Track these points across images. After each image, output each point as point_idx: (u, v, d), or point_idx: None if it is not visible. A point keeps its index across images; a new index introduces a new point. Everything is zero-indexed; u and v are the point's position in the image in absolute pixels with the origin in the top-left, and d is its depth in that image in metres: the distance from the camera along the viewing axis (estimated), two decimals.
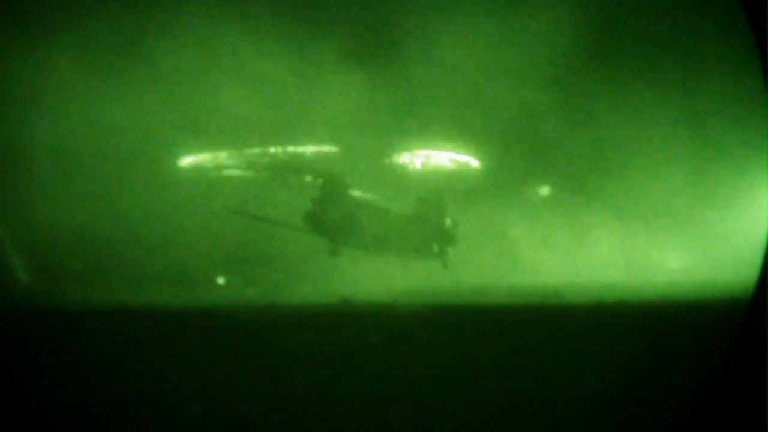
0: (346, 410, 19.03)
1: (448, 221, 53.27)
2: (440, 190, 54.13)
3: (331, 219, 52.32)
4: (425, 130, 55.22)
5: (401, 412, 18.74)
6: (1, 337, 28.06)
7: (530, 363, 24.05)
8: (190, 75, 52.77)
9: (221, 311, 38.23)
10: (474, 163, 56.19)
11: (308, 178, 53.67)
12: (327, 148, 54.90)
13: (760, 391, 17.33)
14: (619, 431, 17.92)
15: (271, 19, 53.22)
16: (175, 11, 52.27)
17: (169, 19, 52.21)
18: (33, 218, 50.90)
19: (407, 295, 46.67)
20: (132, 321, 33.99)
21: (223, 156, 54.86)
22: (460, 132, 55.52)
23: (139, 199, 52.40)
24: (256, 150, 54.86)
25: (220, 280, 53.24)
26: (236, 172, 54.79)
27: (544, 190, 56.48)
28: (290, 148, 54.92)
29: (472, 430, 17.78)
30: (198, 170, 54.53)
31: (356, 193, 53.48)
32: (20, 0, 51.74)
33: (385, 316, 35.11)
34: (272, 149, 54.88)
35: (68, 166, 52.33)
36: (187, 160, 54.55)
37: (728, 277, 46.33)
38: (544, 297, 43.27)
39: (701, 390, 18.84)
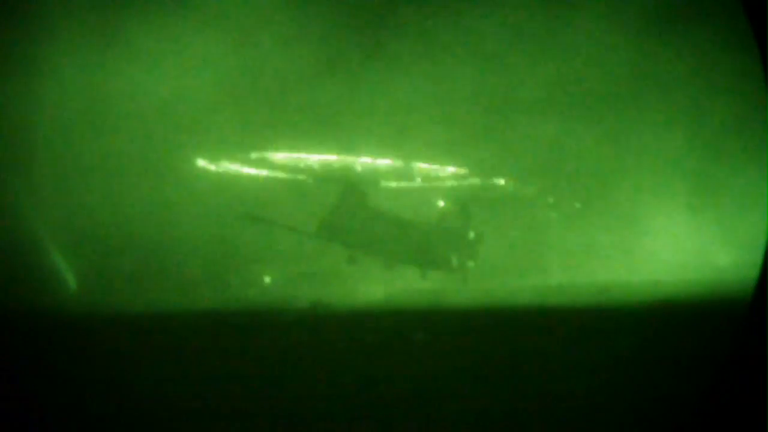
0: (358, 411, 19.09)
1: (472, 234, 52.47)
2: (466, 202, 53.48)
3: (348, 227, 51.96)
4: (449, 141, 55.00)
5: (419, 413, 18.83)
6: (50, 342, 28.23)
7: (532, 363, 24.09)
8: (208, 75, 52.82)
9: (263, 314, 38.37)
10: (493, 171, 55.93)
11: (326, 185, 53.37)
12: (346, 155, 54.67)
13: (760, 391, 17.34)
14: (620, 431, 17.94)
15: (293, 18, 53.16)
16: (185, 12, 52.28)
17: (180, 20, 52.22)
18: (75, 222, 51.04)
19: (428, 296, 46.75)
20: (169, 324, 34.18)
21: (241, 159, 54.62)
22: (484, 143, 55.31)
23: (164, 202, 52.43)
24: (274, 154, 54.65)
25: (267, 279, 53.10)
26: (253, 175, 54.50)
27: (544, 192, 56.48)
28: (309, 154, 54.71)
29: (483, 430, 17.89)
30: (216, 172, 54.30)
31: (375, 201, 53.08)
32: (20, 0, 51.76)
33: (405, 317, 35.25)
34: (291, 154, 54.67)
35: (91, 169, 52.42)
36: (210, 164, 54.35)
37: (728, 277, 46.34)
38: (580, 295, 43.25)
39: (701, 390, 18.85)
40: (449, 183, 55.15)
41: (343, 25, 53.70)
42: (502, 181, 55.63)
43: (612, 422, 18.26)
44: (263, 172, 54.35)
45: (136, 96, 51.89)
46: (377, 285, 51.17)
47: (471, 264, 52.13)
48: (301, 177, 54.01)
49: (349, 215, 51.94)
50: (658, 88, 55.34)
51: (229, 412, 19.28)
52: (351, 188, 52.69)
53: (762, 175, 51.23)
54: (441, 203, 53.78)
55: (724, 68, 53.52)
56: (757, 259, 21.08)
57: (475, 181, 55.35)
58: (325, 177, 53.57)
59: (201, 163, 54.24)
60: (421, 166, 55.07)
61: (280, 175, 54.24)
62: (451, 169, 55.32)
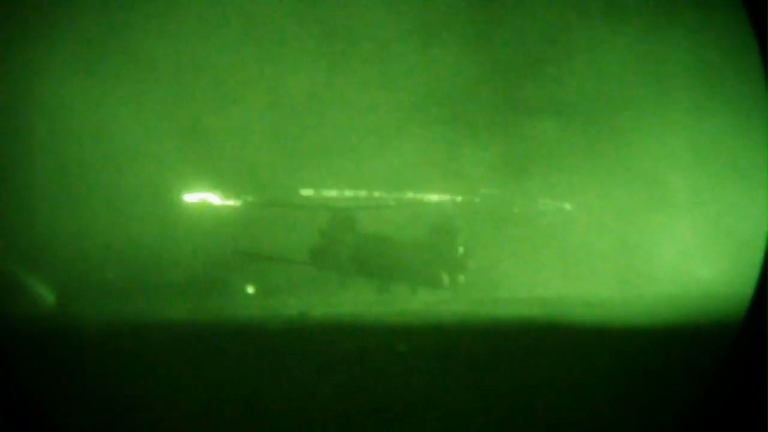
0: (339, 419, 19.10)
1: (461, 249, 52.47)
2: (453, 216, 53.37)
3: (338, 252, 52.03)
4: (433, 154, 54.86)
5: (399, 423, 18.81)
6: (30, 353, 28.19)
7: (522, 376, 24.03)
8: (206, 78, 52.87)
9: (250, 322, 38.36)
10: (484, 181, 55.66)
11: (313, 212, 53.27)
12: (333, 179, 54.58)
13: (760, 391, 17.34)
14: (619, 431, 17.92)
15: (285, 46, 53.24)
16: (185, 17, 52.27)
17: (180, 25, 52.23)
18: (50, 233, 50.98)
19: (419, 305, 46.74)
20: (155, 334, 34.21)
21: (230, 187, 54.42)
22: (475, 152, 55.15)
23: (150, 212, 52.42)
24: (263, 185, 54.51)
25: (249, 290, 53.03)
26: (243, 205, 54.24)
27: (543, 192, 56.36)
28: (296, 183, 54.62)
29: None
30: (204, 200, 54.08)
31: (362, 224, 53.03)
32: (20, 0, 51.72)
33: (409, 329, 35.26)
34: (279, 184, 54.58)
35: (77, 178, 52.36)
36: (194, 191, 54.11)
37: (728, 277, 46.34)
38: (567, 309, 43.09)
39: (701, 390, 18.85)
40: (436, 198, 54.86)
41: (331, 38, 53.69)
42: (493, 192, 55.41)
43: (611, 422, 18.23)
44: (256, 203, 54.12)
45: (133, 102, 51.92)
46: (363, 296, 51.32)
47: (461, 279, 52.21)
48: (288, 205, 53.91)
49: (339, 241, 52.10)
50: (658, 88, 55.32)
51: (215, 417, 19.27)
52: (338, 214, 52.83)
53: (762, 175, 51.22)
54: (429, 220, 53.58)
55: (724, 68, 53.51)
56: (757, 259, 21.07)
57: (464, 194, 55.12)
58: (313, 204, 53.58)
59: (196, 192, 54.06)
60: (407, 184, 54.84)
61: (268, 203, 54.10)
62: (437, 185, 55.07)
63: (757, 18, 18.83)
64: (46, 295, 48.75)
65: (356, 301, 49.44)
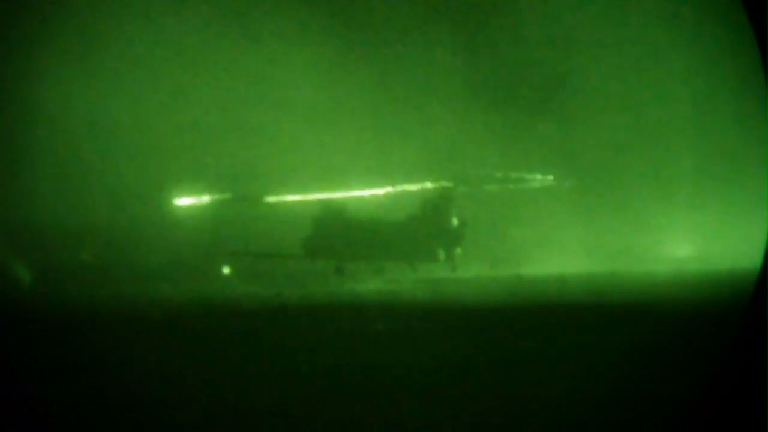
0: (347, 400, 19.10)
1: (455, 221, 52.19)
2: (446, 186, 53.15)
3: (331, 239, 51.94)
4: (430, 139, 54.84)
5: (401, 403, 18.79)
6: (8, 339, 28.12)
7: (532, 359, 24.01)
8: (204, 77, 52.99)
9: (227, 303, 38.38)
10: (474, 159, 55.67)
11: (306, 205, 53.25)
12: (323, 173, 54.53)
13: (760, 391, 17.33)
14: (619, 430, 17.91)
15: (281, 49, 53.34)
16: (184, 20, 52.33)
17: (179, 26, 52.30)
18: (33, 218, 50.97)
19: (410, 284, 46.65)
20: (134, 314, 34.24)
21: (223, 182, 54.37)
22: (479, 140, 55.13)
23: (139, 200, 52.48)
24: (257, 180, 54.45)
25: (225, 271, 53.01)
26: (236, 199, 54.09)
27: (546, 186, 56.37)
28: (291, 179, 54.59)
29: (472, 423, 17.82)
30: (198, 195, 53.99)
31: (354, 209, 52.93)
32: (21, 1, 51.77)
33: (388, 308, 35.20)
34: (273, 179, 54.52)
35: (67, 166, 52.37)
36: (187, 185, 54.02)
37: (728, 276, 46.33)
38: (547, 287, 43.09)
39: (701, 390, 18.83)
40: (430, 177, 54.67)
41: (328, 32, 53.71)
42: (498, 169, 55.35)
43: (611, 421, 18.21)
44: (248, 201, 54.02)
45: (131, 101, 51.97)
46: (359, 279, 51.32)
47: (458, 251, 52.01)
48: (277, 198, 53.86)
49: (331, 228, 51.97)
50: (658, 88, 55.35)
51: (191, 396, 19.31)
52: (328, 202, 52.77)
53: (762, 174, 51.25)
54: (422, 192, 53.38)
55: (724, 68, 53.54)
56: (757, 259, 21.06)
57: (463, 170, 55.00)
58: (307, 198, 53.55)
59: (184, 178, 54.05)
60: (404, 177, 54.73)
61: (264, 200, 54.03)
62: (435, 177, 54.93)
63: (757, 18, 18.84)
64: (24, 277, 48.75)
65: (350, 284, 49.37)
